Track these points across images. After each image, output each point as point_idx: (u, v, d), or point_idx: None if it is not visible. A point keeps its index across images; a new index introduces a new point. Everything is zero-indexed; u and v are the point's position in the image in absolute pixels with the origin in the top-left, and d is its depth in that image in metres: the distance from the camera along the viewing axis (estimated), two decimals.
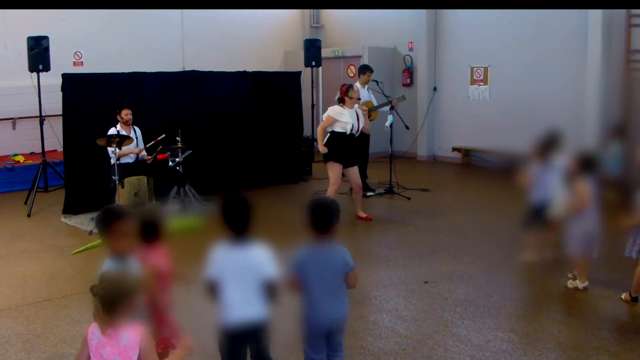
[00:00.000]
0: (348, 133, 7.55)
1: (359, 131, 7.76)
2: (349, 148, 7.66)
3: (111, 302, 2.62)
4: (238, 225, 3.27)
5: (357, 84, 9.27)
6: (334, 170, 7.64)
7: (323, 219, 3.42)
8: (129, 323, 2.66)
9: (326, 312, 3.41)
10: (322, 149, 7.61)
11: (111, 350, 2.64)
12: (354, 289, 3.58)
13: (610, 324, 4.72)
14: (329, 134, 7.63)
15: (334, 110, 7.61)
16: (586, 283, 5.37)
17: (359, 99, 7.80)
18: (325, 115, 7.73)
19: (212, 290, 3.31)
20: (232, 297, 3.26)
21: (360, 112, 7.83)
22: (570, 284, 5.40)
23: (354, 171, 7.79)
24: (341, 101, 7.64)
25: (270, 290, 3.28)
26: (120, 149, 7.45)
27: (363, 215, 7.91)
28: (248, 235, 3.28)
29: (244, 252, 3.25)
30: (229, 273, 3.26)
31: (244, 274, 3.24)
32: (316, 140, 12.01)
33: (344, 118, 7.53)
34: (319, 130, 7.71)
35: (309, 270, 3.39)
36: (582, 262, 5.38)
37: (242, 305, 3.26)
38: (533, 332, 4.59)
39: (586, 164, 5.19)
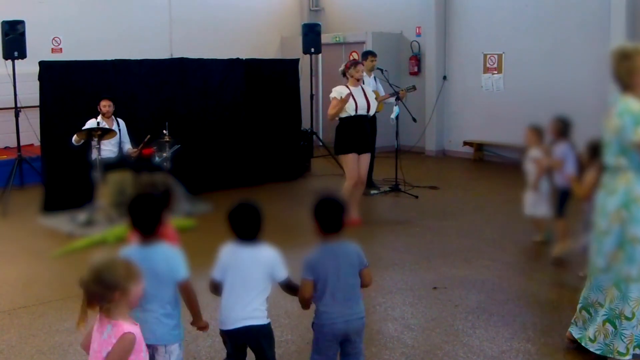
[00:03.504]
0: (353, 114, 7.36)
1: (370, 111, 7.54)
2: (361, 132, 7.41)
3: (94, 293, 2.69)
4: (247, 233, 3.44)
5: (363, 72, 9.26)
6: (347, 162, 7.43)
7: (333, 219, 3.47)
8: (124, 319, 2.72)
9: (343, 316, 3.43)
10: (347, 94, 7.24)
11: (97, 337, 2.76)
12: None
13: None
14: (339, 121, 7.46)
15: (336, 90, 7.43)
16: (567, 250, 5.72)
17: (359, 80, 7.57)
18: (331, 97, 7.54)
19: (217, 289, 3.50)
20: (235, 297, 3.42)
21: (369, 90, 7.69)
22: None
23: (364, 162, 7.54)
24: (344, 75, 7.58)
25: (288, 290, 3.53)
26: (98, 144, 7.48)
27: (354, 216, 7.33)
28: (257, 240, 3.47)
29: (253, 251, 3.43)
30: (235, 272, 3.42)
31: (253, 273, 3.40)
32: (316, 133, 12.10)
33: (343, 95, 7.29)
34: (330, 112, 7.43)
35: (323, 272, 3.42)
36: (560, 224, 5.78)
37: (243, 309, 3.40)
38: (551, 343, 4.57)
39: (595, 151, 5.32)
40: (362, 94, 7.46)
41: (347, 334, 3.47)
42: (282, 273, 3.45)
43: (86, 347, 2.90)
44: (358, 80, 7.52)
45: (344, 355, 3.55)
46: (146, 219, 3.26)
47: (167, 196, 3.62)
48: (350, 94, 7.31)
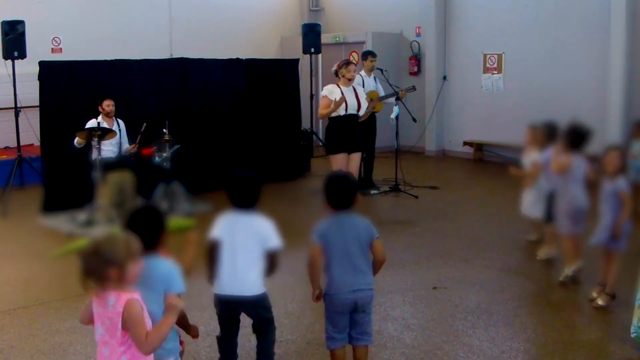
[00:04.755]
0: (343, 114, 7.38)
1: (361, 110, 7.57)
2: (351, 132, 7.43)
3: (91, 267, 2.69)
4: (245, 201, 3.58)
5: (362, 72, 9.27)
6: (337, 162, 7.47)
7: (345, 194, 3.59)
8: (120, 291, 2.72)
9: (351, 285, 3.54)
10: (341, 99, 7.27)
11: (103, 312, 2.76)
12: None
13: None
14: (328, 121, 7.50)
15: (327, 89, 7.48)
16: (574, 267, 5.55)
17: (350, 80, 7.58)
18: (321, 99, 7.55)
19: (214, 251, 3.57)
20: (232, 263, 3.52)
21: (360, 90, 7.67)
22: (595, 297, 5.27)
23: (354, 161, 7.55)
24: (336, 74, 7.58)
25: (271, 261, 3.57)
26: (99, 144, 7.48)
27: None
28: (254, 208, 3.60)
29: (249, 220, 3.57)
30: (233, 237, 3.54)
31: (248, 240, 3.51)
32: (315, 133, 12.10)
33: (334, 95, 7.33)
34: (321, 113, 7.47)
35: (332, 241, 3.55)
36: (570, 241, 5.57)
37: (241, 276, 3.51)
38: (552, 343, 4.57)
39: (575, 138, 5.42)
40: (354, 93, 7.49)
41: (356, 303, 3.57)
42: (276, 241, 3.55)
43: (86, 320, 2.90)
44: (350, 80, 7.54)
45: (354, 325, 3.65)
46: (147, 232, 3.19)
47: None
48: (344, 97, 7.32)
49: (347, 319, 3.60)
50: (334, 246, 3.54)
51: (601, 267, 5.26)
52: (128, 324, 2.70)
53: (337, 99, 7.27)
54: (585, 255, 5.59)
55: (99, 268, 2.68)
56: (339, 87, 7.41)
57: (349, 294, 3.54)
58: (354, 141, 7.47)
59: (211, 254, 3.57)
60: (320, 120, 13.44)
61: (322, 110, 7.47)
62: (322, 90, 7.61)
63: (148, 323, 2.81)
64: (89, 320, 2.87)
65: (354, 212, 3.62)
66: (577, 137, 5.41)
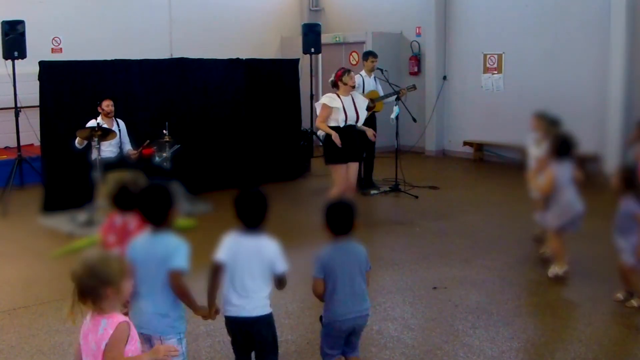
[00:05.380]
0: (342, 125, 7.24)
1: (359, 120, 7.47)
2: (350, 142, 7.32)
3: (86, 289, 2.70)
4: (252, 220, 3.47)
5: (363, 72, 9.27)
6: (336, 171, 7.36)
7: (344, 221, 3.60)
8: (114, 312, 2.74)
9: (353, 312, 3.61)
10: (335, 136, 7.15)
11: (92, 337, 2.75)
12: None
13: (637, 333, 4.71)
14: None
15: (328, 97, 7.30)
16: (565, 268, 5.65)
17: (354, 86, 7.42)
18: (319, 105, 7.39)
19: (217, 273, 3.49)
20: (239, 286, 3.44)
21: (360, 99, 7.51)
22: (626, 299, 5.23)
23: (353, 169, 7.48)
24: (334, 85, 7.35)
25: (279, 283, 3.52)
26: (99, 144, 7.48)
27: None
28: (261, 229, 3.50)
29: (255, 242, 3.46)
30: (239, 259, 3.46)
31: (253, 263, 3.43)
32: (316, 133, 12.06)
33: (335, 104, 7.20)
34: (319, 126, 7.37)
35: (336, 269, 3.57)
36: (558, 242, 5.68)
37: (247, 300, 3.43)
38: (551, 343, 4.58)
39: (561, 147, 5.57)
40: (352, 105, 7.31)
41: (354, 328, 3.67)
42: (282, 266, 3.48)
43: (78, 356, 2.87)
44: (353, 87, 7.37)
45: (347, 344, 3.72)
46: (156, 209, 3.33)
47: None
48: (337, 137, 7.21)
49: (342, 340, 3.68)
50: (339, 274, 3.57)
51: (623, 279, 5.22)
52: (108, 344, 2.71)
53: (333, 136, 7.18)
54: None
55: (96, 289, 2.70)
56: (339, 97, 7.27)
57: (351, 321, 3.62)
58: (352, 151, 7.37)
59: (215, 276, 3.51)
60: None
61: (320, 124, 7.35)
62: (321, 90, 7.56)
63: (137, 348, 2.82)
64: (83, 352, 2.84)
65: (353, 238, 3.64)
66: (563, 146, 5.60)
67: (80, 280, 2.71)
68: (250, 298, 3.44)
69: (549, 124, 6.26)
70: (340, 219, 3.60)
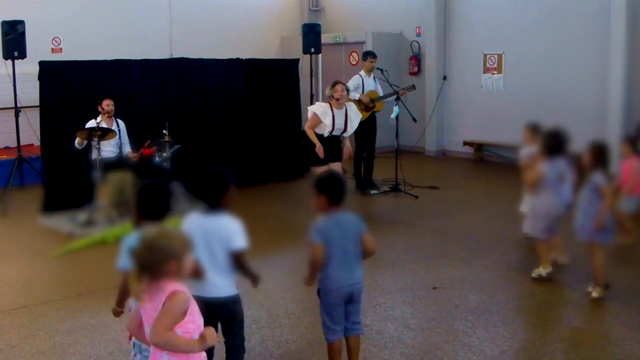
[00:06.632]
0: (326, 136, 7.31)
1: (347, 132, 7.43)
2: (333, 148, 7.39)
3: (149, 263, 2.65)
4: (212, 199, 3.57)
5: (362, 72, 9.28)
6: (319, 171, 7.39)
7: (340, 192, 3.75)
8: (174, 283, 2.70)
9: (347, 279, 3.73)
10: (319, 148, 7.26)
11: (152, 306, 2.71)
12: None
13: (637, 332, 4.71)
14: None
15: (320, 107, 7.32)
16: (549, 269, 5.69)
17: (338, 100, 7.27)
18: (310, 111, 7.39)
19: None
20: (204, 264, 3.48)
21: (353, 113, 7.44)
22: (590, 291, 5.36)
23: (336, 168, 7.35)
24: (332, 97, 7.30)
25: (236, 262, 3.53)
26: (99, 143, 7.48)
27: None
28: (222, 209, 3.57)
29: (214, 221, 3.53)
30: (197, 240, 3.38)
31: (211, 243, 3.48)
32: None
33: (325, 120, 7.23)
34: (307, 132, 7.39)
35: (332, 239, 3.69)
36: (543, 245, 5.72)
37: (209, 279, 3.47)
38: (551, 343, 4.58)
39: (552, 143, 5.53)
40: (344, 117, 7.30)
41: (351, 295, 3.78)
42: (240, 242, 3.49)
43: (135, 328, 2.87)
44: (338, 100, 7.25)
45: (347, 315, 3.84)
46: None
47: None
48: (321, 148, 7.23)
49: (342, 310, 3.79)
50: (334, 243, 3.69)
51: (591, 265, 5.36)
52: (161, 309, 2.64)
53: (317, 148, 7.21)
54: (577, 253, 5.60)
55: (158, 263, 2.65)
56: (332, 109, 7.27)
57: (346, 288, 3.75)
58: (334, 153, 7.44)
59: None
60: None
61: (308, 131, 7.40)
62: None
63: (198, 326, 2.74)
64: (139, 326, 2.82)
65: (346, 208, 3.80)
66: (555, 143, 5.52)
67: (139, 255, 2.65)
68: (212, 278, 3.48)
69: (541, 135, 6.09)
70: (337, 190, 3.75)
